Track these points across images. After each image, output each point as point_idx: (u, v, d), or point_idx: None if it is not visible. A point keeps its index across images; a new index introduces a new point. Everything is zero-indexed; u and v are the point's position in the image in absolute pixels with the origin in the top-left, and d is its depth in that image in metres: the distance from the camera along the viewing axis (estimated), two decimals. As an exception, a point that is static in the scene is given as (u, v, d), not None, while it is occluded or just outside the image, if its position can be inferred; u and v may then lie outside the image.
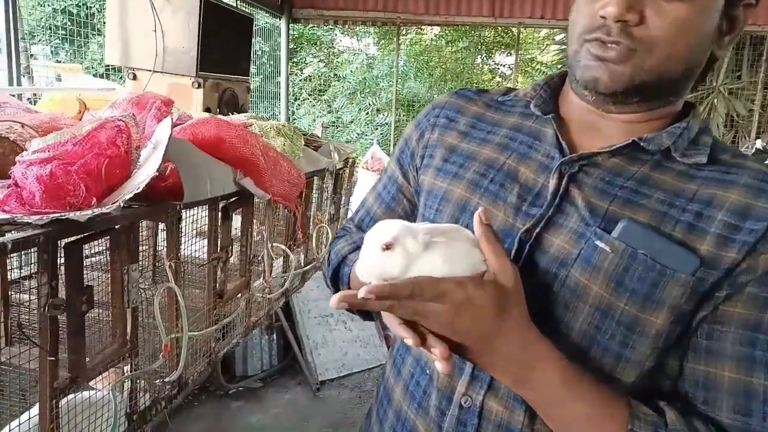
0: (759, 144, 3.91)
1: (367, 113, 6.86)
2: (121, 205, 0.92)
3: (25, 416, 0.92)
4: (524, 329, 0.59)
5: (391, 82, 6.21)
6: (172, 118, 1.08)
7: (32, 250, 0.84)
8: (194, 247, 1.40)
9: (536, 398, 0.61)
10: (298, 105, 7.15)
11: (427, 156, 0.79)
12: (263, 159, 1.40)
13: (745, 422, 0.60)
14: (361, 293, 0.53)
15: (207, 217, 1.37)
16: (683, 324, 0.62)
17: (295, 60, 7.37)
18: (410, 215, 0.85)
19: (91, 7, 6.43)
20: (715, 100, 5.32)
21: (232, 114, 2.31)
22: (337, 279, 0.85)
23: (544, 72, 7.42)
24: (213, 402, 3.26)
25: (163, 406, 1.23)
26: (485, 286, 0.57)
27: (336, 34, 7.86)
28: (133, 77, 2.29)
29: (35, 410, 0.90)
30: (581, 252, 0.63)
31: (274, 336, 3.63)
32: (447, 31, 6.35)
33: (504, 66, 7.09)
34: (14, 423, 0.90)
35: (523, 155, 0.71)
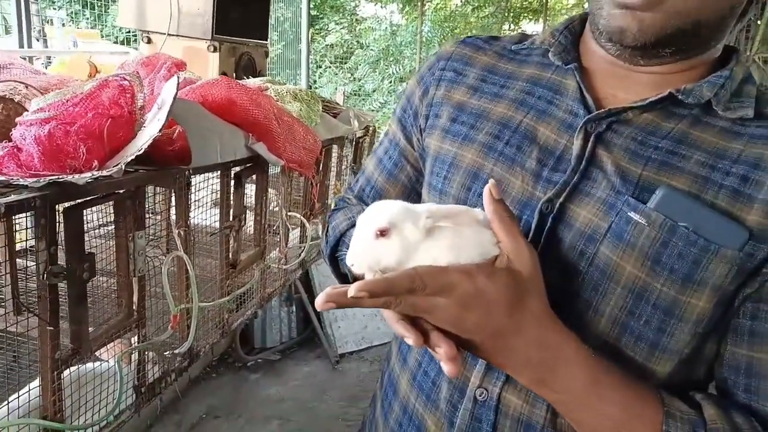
0: None
1: (391, 82, 6.72)
2: (123, 167, 0.86)
3: (25, 389, 0.89)
4: (544, 323, 0.52)
5: (415, 50, 6.04)
6: (178, 77, 1.01)
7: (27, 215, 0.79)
8: (209, 216, 1.36)
9: (559, 400, 0.54)
10: (320, 74, 7.03)
11: (432, 115, 0.71)
12: (277, 123, 1.33)
13: None
14: (351, 291, 0.45)
15: (219, 185, 1.31)
16: (726, 305, 0.55)
17: (317, 27, 7.23)
18: (415, 183, 0.78)
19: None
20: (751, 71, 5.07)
21: (249, 78, 2.25)
22: (336, 257, 0.78)
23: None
24: (231, 374, 3.27)
25: (173, 378, 1.20)
26: (497, 274, 0.50)
27: (360, 1, 7.68)
28: (147, 41, 2.23)
29: (36, 382, 0.87)
30: (612, 225, 0.55)
31: (294, 308, 3.62)
32: (473, -2, 6.14)
33: (533, 32, 6.84)
34: (13, 396, 0.87)
35: (543, 112, 0.63)
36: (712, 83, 0.57)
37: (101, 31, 3.50)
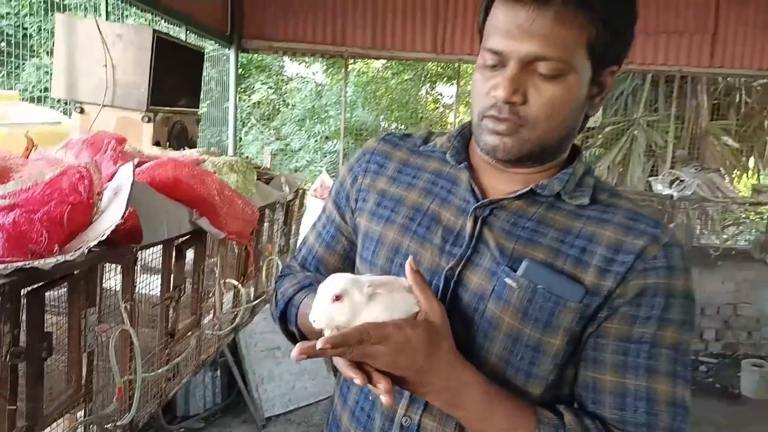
0: (676, 172, 4.24)
1: (316, 140, 6.93)
2: (86, 252, 0.94)
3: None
4: (451, 360, 0.71)
5: (339, 110, 6.31)
6: (134, 164, 1.11)
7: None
8: (145, 285, 1.42)
9: (464, 416, 0.73)
10: (246, 131, 7.13)
11: (361, 199, 0.90)
12: (219, 199, 1.44)
13: (621, 416, 0.73)
14: (319, 344, 0.63)
15: (161, 257, 1.39)
16: (575, 342, 0.76)
17: (243, 86, 7.37)
18: (349, 252, 0.95)
19: (27, 28, 6.23)
20: (636, 132, 5.72)
21: (184, 148, 2.33)
22: (285, 318, 0.93)
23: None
24: (153, 443, 3.17)
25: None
26: (419, 326, 0.69)
27: (284, 61, 7.93)
28: (80, 111, 2.27)
29: (-9, 459, 0.90)
30: (494, 288, 0.75)
31: (218, 372, 3.56)
32: (392, 63, 6.54)
33: (447, 96, 7.35)
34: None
35: (444, 200, 0.83)
36: (560, 179, 0.79)
37: (15, 87, 3.45)
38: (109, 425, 1.20)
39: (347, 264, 0.95)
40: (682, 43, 4.53)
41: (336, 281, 0.71)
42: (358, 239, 0.90)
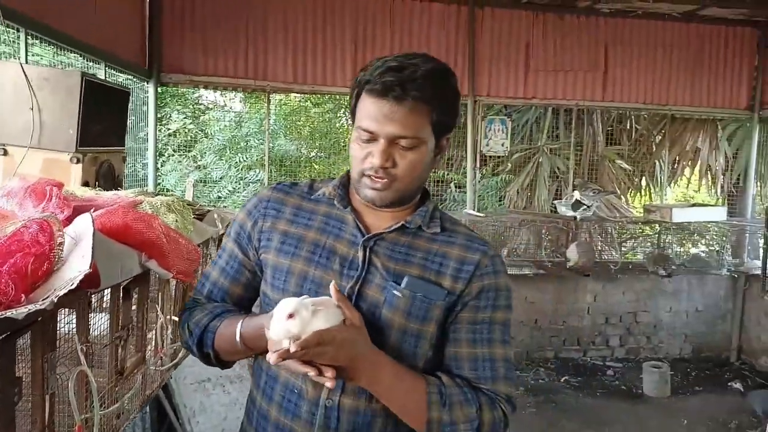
0: (577, 195, 4.67)
1: (238, 170, 6.91)
2: (55, 300, 1.02)
3: None
4: (371, 350, 0.99)
5: (260, 140, 6.37)
6: (91, 214, 1.19)
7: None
8: (92, 325, 1.47)
9: (380, 389, 1.00)
10: (163, 161, 6.99)
11: (265, 239, 1.12)
12: (166, 241, 1.52)
13: (476, 374, 1.06)
14: (292, 348, 0.89)
15: (110, 299, 1.45)
16: (441, 329, 1.07)
17: (159, 116, 7.23)
18: (252, 281, 1.18)
19: None
20: (540, 158, 6.22)
21: (117, 188, 2.36)
22: (202, 344, 1.13)
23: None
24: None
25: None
26: (349, 329, 0.97)
27: (201, 91, 7.86)
28: (4, 153, 2.24)
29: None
30: (386, 298, 1.04)
31: (147, 408, 3.50)
32: (313, 96, 6.70)
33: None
34: None
35: (337, 236, 1.09)
36: (420, 215, 1.10)
37: None
38: (67, 465, 1.24)
39: (250, 292, 1.19)
40: (578, 80, 5.04)
41: (288, 304, 0.93)
42: (267, 272, 1.12)
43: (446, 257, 1.07)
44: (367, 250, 1.06)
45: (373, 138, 1.01)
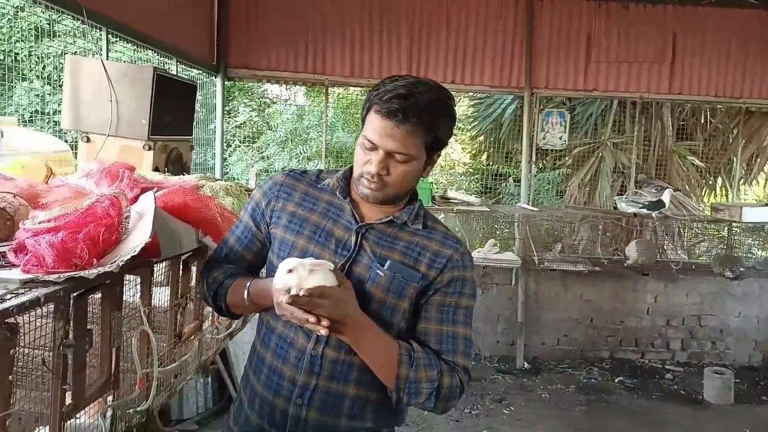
0: (665, 196, 4.53)
1: (299, 161, 7.16)
2: (120, 264, 1.17)
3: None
4: (359, 312, 1.17)
5: (320, 132, 6.57)
6: (154, 192, 1.34)
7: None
8: (155, 297, 1.64)
9: (361, 345, 1.18)
10: (230, 152, 7.34)
11: (275, 217, 1.31)
12: (220, 219, 1.67)
13: (440, 347, 1.23)
14: (302, 293, 1.09)
15: (171, 270, 1.62)
16: (414, 306, 1.25)
17: (227, 108, 7.59)
18: (261, 250, 1.37)
19: (18, 53, 6.41)
20: (603, 153, 6.06)
21: (183, 173, 2.56)
22: (216, 297, 1.33)
23: (458, 126, 8.05)
24: (149, 447, 3.33)
25: (134, 431, 1.44)
26: (344, 291, 1.14)
27: (266, 85, 8.17)
28: (86, 140, 2.49)
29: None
30: (370, 275, 1.23)
31: (209, 379, 3.76)
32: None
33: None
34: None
35: (335, 221, 1.28)
36: (407, 212, 1.29)
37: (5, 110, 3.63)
38: (130, 410, 1.41)
39: (258, 259, 1.38)
40: (642, 72, 4.88)
41: (288, 262, 1.13)
42: (275, 244, 1.31)
43: (424, 249, 1.26)
44: (359, 235, 1.25)
45: (374, 148, 1.19)
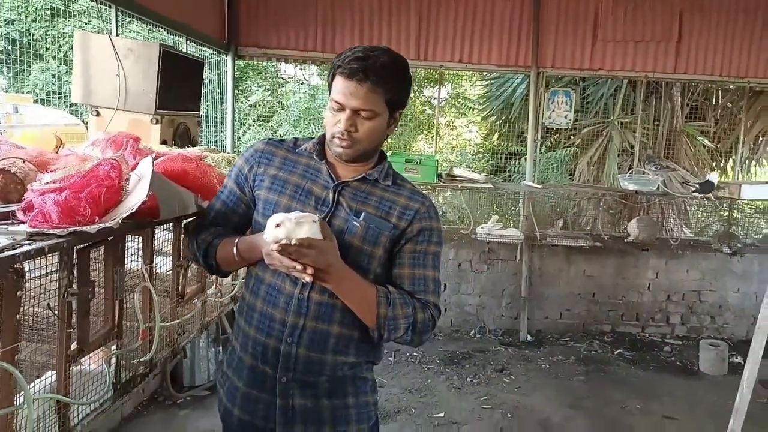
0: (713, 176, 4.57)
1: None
2: (119, 221, 1.29)
3: (43, 377, 1.25)
4: (341, 262, 1.29)
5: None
6: (152, 157, 1.45)
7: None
8: (161, 264, 1.76)
9: (342, 291, 1.32)
10: (244, 131, 7.46)
11: (258, 180, 1.43)
12: (218, 186, 1.78)
13: (413, 289, 1.39)
14: (293, 242, 1.21)
15: (173, 233, 1.73)
16: (387, 253, 1.39)
17: (240, 88, 7.69)
18: (246, 212, 1.47)
19: (33, 33, 6.55)
20: (612, 132, 6.06)
21: (188, 146, 2.67)
22: (207, 256, 1.45)
23: (469, 106, 8.10)
24: (162, 411, 3.51)
25: (138, 381, 1.57)
26: (327, 243, 1.26)
27: (280, 65, 8.25)
28: (96, 114, 2.61)
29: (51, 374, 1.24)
30: (347, 227, 1.37)
31: (220, 348, 3.91)
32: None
33: (434, 99, 7.68)
34: (36, 381, 1.24)
35: (314, 181, 1.41)
36: (378, 170, 1.43)
37: (22, 89, 3.76)
38: (134, 361, 1.54)
39: (243, 221, 1.48)
40: (649, 51, 4.87)
41: (276, 217, 1.25)
42: (259, 204, 1.42)
43: (394, 203, 1.41)
44: (336, 192, 1.39)
45: (341, 108, 1.33)
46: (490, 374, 4.22)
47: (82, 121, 2.83)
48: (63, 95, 4.38)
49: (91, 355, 1.40)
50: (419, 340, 1.39)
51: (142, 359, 1.56)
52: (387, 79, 1.31)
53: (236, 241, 1.40)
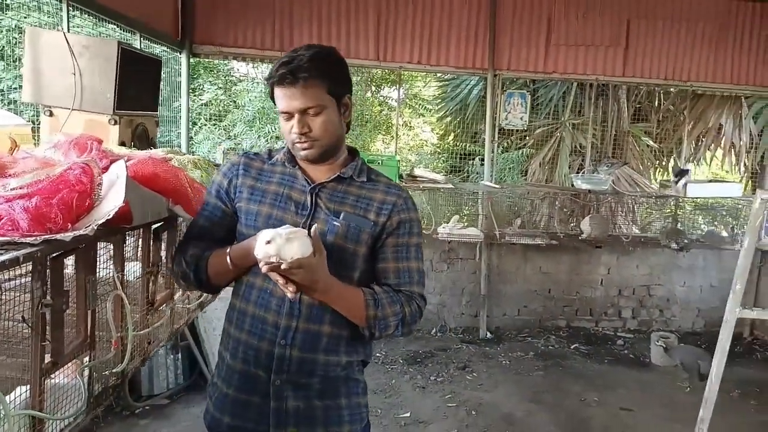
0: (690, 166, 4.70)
1: (267, 140, 7.15)
2: (95, 228, 1.23)
3: (15, 392, 1.19)
4: (327, 275, 1.30)
5: (287, 112, 6.55)
6: (125, 161, 1.39)
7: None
8: (131, 270, 1.70)
9: (330, 299, 1.34)
10: (196, 131, 7.27)
11: (238, 192, 1.45)
12: (190, 189, 1.73)
13: (398, 282, 1.43)
14: (284, 266, 1.22)
15: (142, 239, 1.68)
16: (371, 249, 1.42)
17: (192, 86, 7.48)
18: (230, 224, 1.48)
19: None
20: (563, 133, 6.26)
21: (150, 148, 2.58)
22: (198, 270, 1.43)
23: (425, 107, 8.18)
24: (120, 422, 3.38)
25: (110, 392, 1.51)
26: (316, 260, 1.26)
27: (233, 63, 8.08)
28: (49, 114, 2.49)
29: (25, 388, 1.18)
30: (328, 228, 1.38)
31: (179, 355, 3.80)
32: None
33: (392, 99, 7.72)
34: (11, 395, 1.17)
35: (291, 187, 1.43)
36: (352, 168, 1.45)
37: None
38: (106, 372, 1.48)
39: (230, 234, 1.48)
40: (599, 55, 5.05)
41: (266, 233, 1.24)
42: (241, 216, 1.44)
43: (371, 200, 1.43)
44: (314, 195, 1.41)
45: (289, 115, 1.36)
46: (453, 372, 4.29)
47: (32, 121, 2.69)
48: (1, 92, 4.15)
49: (63, 368, 1.34)
50: (408, 331, 1.44)
51: (114, 370, 1.50)
52: (318, 71, 1.33)
53: (228, 250, 1.40)
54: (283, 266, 1.21)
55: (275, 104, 1.38)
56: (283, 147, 1.48)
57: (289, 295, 1.25)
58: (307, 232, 1.28)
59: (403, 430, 3.45)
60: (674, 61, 5.08)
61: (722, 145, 6.35)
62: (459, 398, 3.87)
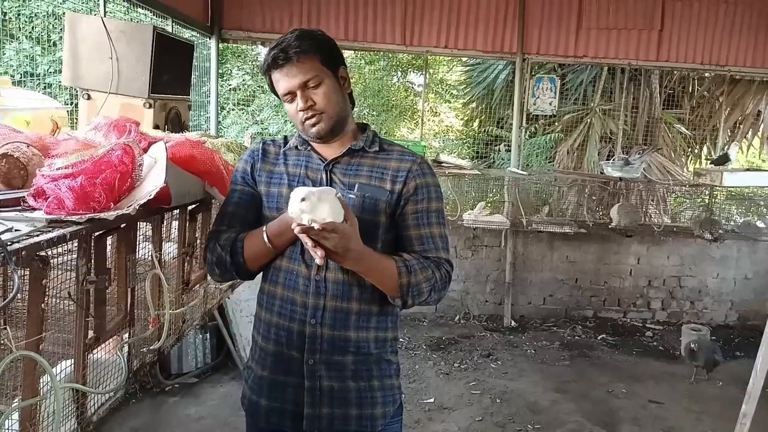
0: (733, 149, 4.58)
1: (293, 124, 7.18)
2: (137, 207, 1.26)
3: (60, 366, 1.23)
4: (360, 244, 1.30)
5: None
6: (165, 142, 1.42)
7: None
8: (167, 251, 1.73)
9: (362, 270, 1.35)
10: (224, 115, 7.33)
11: (258, 176, 1.49)
12: (225, 172, 1.75)
13: (423, 249, 1.42)
14: (316, 227, 1.21)
15: (179, 220, 1.71)
16: (391, 218, 1.42)
17: (220, 72, 7.54)
18: (259, 206, 1.48)
19: (6, 13, 6.30)
20: (593, 119, 6.14)
21: (183, 131, 2.62)
22: (234, 253, 1.42)
23: (451, 93, 8.11)
24: (150, 398, 3.48)
25: (148, 368, 1.55)
26: (348, 226, 1.26)
27: (260, 48, 8.10)
28: (87, 97, 2.54)
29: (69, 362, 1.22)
30: (345, 201, 1.31)
31: (208, 335, 3.89)
32: (366, 53, 6.82)
33: (417, 85, 7.67)
34: (55, 369, 1.21)
35: (307, 167, 1.46)
36: (363, 140, 1.47)
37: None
38: (144, 348, 1.52)
39: (260, 217, 1.48)
40: (632, 39, 4.94)
41: (300, 190, 1.24)
42: (264, 201, 1.47)
43: (386, 168, 1.44)
44: (328, 171, 1.44)
45: (292, 96, 1.39)
46: (477, 360, 4.29)
47: (67, 104, 2.74)
48: (37, 77, 4.24)
49: (104, 344, 1.38)
50: (438, 298, 1.44)
51: (151, 347, 1.54)
52: (307, 45, 1.37)
53: (264, 228, 1.40)
54: (316, 226, 1.21)
55: (278, 95, 1.42)
56: (295, 135, 1.52)
57: (317, 260, 1.25)
58: (335, 191, 1.29)
59: (427, 416, 3.47)
60: (711, 44, 4.93)
61: (760, 132, 6.16)
62: (483, 386, 3.87)
